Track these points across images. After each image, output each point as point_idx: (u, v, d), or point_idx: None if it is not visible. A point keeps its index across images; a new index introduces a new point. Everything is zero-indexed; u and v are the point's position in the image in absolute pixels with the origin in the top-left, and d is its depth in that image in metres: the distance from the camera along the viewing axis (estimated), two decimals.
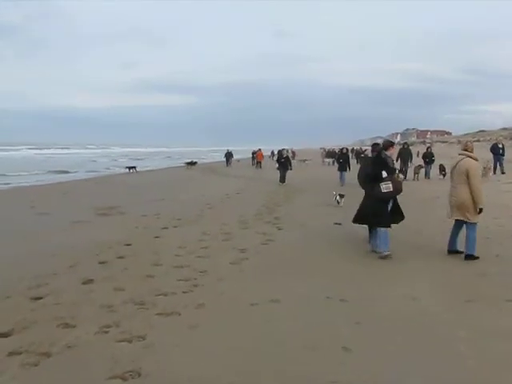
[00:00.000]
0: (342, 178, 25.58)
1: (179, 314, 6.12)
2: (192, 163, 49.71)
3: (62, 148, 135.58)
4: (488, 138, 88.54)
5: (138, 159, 74.62)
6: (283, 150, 30.19)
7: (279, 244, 10.46)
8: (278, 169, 27.91)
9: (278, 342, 5.28)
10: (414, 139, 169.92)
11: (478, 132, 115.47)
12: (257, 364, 4.78)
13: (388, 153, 9.52)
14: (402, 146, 30.87)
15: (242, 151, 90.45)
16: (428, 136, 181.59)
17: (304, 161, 54.01)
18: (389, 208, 9.32)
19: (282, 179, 27.02)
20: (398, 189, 9.20)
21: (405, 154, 28.74)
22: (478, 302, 6.65)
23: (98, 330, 5.60)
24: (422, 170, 28.97)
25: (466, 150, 9.13)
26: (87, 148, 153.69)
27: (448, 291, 7.07)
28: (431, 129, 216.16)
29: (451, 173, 9.34)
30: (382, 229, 9.16)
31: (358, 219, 9.93)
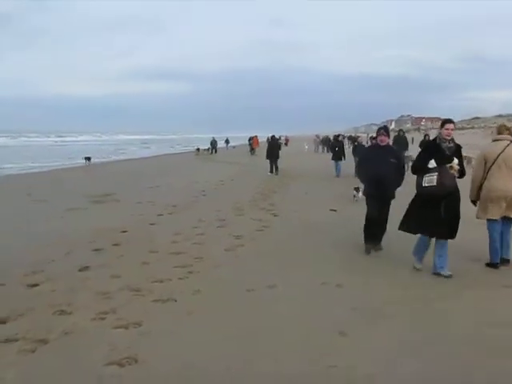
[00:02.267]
0: (337, 168, 23.52)
1: (175, 301, 6.12)
2: (199, 149, 50.78)
3: (66, 136, 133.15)
4: (483, 125, 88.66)
5: (146, 146, 75.34)
6: (273, 136, 27.80)
7: (275, 230, 10.47)
8: (267, 158, 25.44)
9: (275, 328, 5.30)
10: (408, 126, 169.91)
11: (472, 119, 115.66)
12: (253, 350, 4.79)
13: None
14: (397, 133, 27.57)
15: (240, 138, 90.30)
16: (423, 123, 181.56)
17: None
18: (439, 214, 7.00)
19: (274, 169, 25.02)
20: (444, 185, 6.93)
21: (400, 142, 24.79)
22: (475, 288, 6.68)
23: (95, 316, 5.60)
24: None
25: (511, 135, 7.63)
26: (95, 135, 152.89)
27: (443, 279, 7.08)
28: (426, 115, 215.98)
29: (492, 163, 7.43)
30: (422, 236, 7.42)
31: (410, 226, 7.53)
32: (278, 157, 25.22)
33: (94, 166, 32.98)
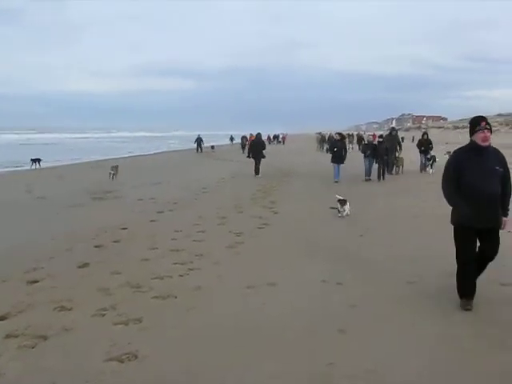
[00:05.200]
0: (337, 172, 20.22)
1: (175, 297, 6.14)
2: (212, 147, 50.60)
3: (79, 133, 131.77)
4: None
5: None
6: (259, 133, 24.83)
7: (275, 228, 10.47)
8: (252, 157, 23.12)
9: (275, 325, 5.30)
10: (409, 124, 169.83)
11: None
12: (254, 346, 4.80)
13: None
14: (388, 133, 25.36)
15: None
16: (423, 121, 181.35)
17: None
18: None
19: (257, 171, 22.70)
20: None
21: (391, 143, 22.53)
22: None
23: (95, 312, 5.61)
24: (416, 162, 24.22)
25: None
26: (110, 132, 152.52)
27: (445, 274, 7.07)
28: (427, 114, 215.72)
29: None
30: None
31: None
32: (263, 156, 23.10)
33: (98, 163, 32.90)
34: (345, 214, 11.60)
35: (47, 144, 63.58)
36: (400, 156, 23.53)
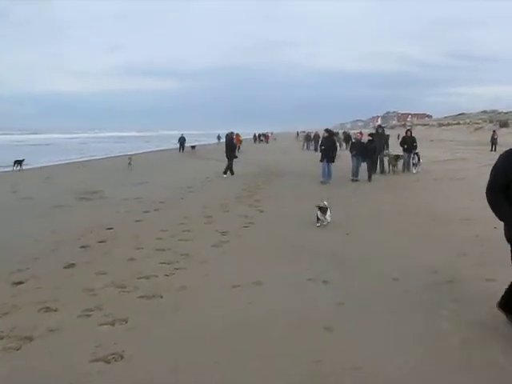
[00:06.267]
0: (325, 171, 19.01)
1: (161, 297, 6.13)
2: (193, 147, 49.57)
3: (68, 133, 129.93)
4: (468, 121, 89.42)
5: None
6: (231, 133, 24.60)
7: (261, 226, 10.50)
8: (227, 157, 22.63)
9: (261, 324, 5.31)
10: (394, 122, 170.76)
11: (458, 115, 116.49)
12: (240, 345, 4.81)
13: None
14: (375, 131, 24.32)
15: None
16: (409, 119, 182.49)
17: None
18: None
19: (229, 169, 22.27)
20: None
21: (379, 141, 21.61)
22: (458, 281, 6.73)
23: (80, 313, 5.58)
24: (401, 161, 22.97)
25: None
26: (96, 132, 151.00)
27: (429, 271, 7.12)
28: (412, 112, 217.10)
29: None
30: None
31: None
32: (235, 156, 22.90)
33: (85, 163, 32.70)
34: (325, 223, 10.38)
35: (39, 145, 62.92)
36: (394, 154, 22.90)
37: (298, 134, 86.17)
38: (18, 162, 27.85)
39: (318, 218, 10.41)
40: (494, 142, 39.67)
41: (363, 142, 20.97)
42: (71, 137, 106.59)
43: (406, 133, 23.96)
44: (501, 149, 36.74)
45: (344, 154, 24.32)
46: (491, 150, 37.82)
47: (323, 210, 10.39)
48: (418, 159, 22.57)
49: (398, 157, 22.82)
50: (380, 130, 23.81)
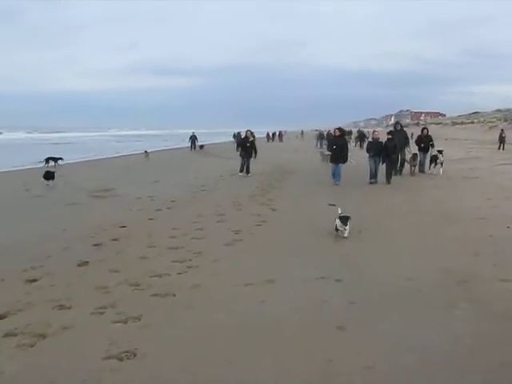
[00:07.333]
0: (335, 173, 17.86)
1: (174, 295, 6.14)
2: (201, 147, 49.05)
3: (82, 132, 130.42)
4: (482, 120, 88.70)
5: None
6: (247, 131, 23.03)
7: (273, 225, 10.48)
8: (240, 155, 22.06)
9: (273, 322, 5.31)
10: (408, 121, 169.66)
11: (472, 114, 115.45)
12: (252, 343, 4.81)
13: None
14: (393, 128, 21.54)
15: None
16: (422, 118, 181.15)
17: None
18: None
19: (245, 168, 21.75)
20: None
21: (398, 139, 19.48)
22: (472, 281, 6.68)
23: (94, 311, 5.62)
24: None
25: None
26: (108, 131, 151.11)
27: (442, 271, 7.09)
28: (425, 110, 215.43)
29: None
30: None
31: None
32: (250, 155, 21.88)
33: (96, 162, 32.83)
34: (345, 234, 9.19)
35: (58, 144, 63.17)
36: (413, 153, 20.80)
37: (302, 132, 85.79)
38: (54, 160, 27.13)
39: (337, 229, 9.28)
40: (502, 140, 39.22)
41: (381, 142, 18.75)
42: (91, 135, 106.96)
43: (422, 131, 21.93)
44: (509, 148, 36.45)
45: (356, 154, 24.06)
46: (499, 149, 37.49)
47: (343, 219, 9.19)
48: (436, 160, 20.69)
49: (416, 155, 20.95)
50: (398, 127, 21.14)
